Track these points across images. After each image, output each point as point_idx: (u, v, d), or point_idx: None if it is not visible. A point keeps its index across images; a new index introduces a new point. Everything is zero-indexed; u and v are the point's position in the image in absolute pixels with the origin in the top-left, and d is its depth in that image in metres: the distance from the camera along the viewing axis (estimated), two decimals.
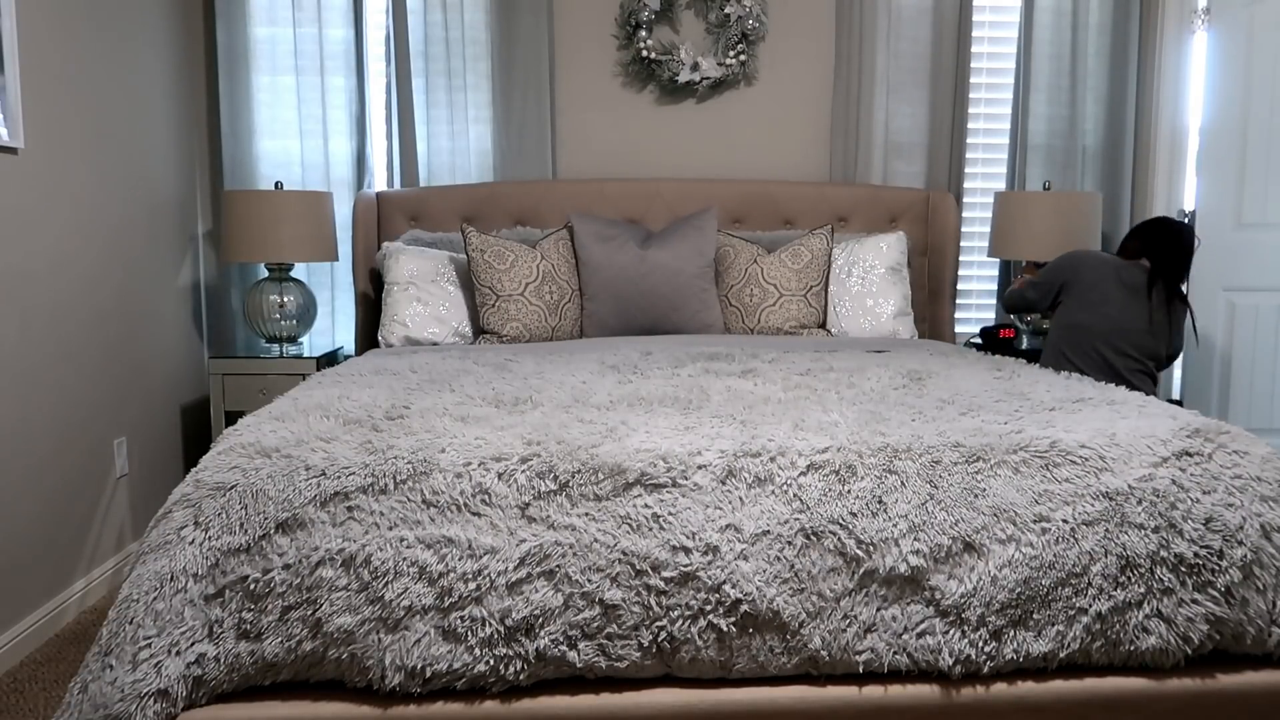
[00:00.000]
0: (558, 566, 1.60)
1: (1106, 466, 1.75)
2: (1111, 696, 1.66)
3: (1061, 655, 1.65)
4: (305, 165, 3.74)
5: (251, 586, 1.58)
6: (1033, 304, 3.29)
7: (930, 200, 3.81)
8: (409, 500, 1.65)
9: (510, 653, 1.58)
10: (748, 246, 3.47)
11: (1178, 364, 3.90)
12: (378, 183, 3.85)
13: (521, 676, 1.59)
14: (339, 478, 1.66)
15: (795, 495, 1.68)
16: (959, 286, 3.99)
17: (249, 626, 1.58)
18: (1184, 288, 3.17)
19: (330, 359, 3.65)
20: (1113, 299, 3.07)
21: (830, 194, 3.78)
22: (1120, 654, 1.66)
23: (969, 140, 3.98)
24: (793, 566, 1.63)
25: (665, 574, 1.60)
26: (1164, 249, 3.10)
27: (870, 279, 3.51)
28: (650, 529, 1.63)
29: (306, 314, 3.59)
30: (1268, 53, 3.47)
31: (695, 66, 3.79)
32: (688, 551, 1.61)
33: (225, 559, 1.60)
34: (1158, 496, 1.72)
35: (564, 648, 1.58)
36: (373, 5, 3.74)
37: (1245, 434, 1.88)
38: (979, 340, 3.71)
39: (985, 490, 1.71)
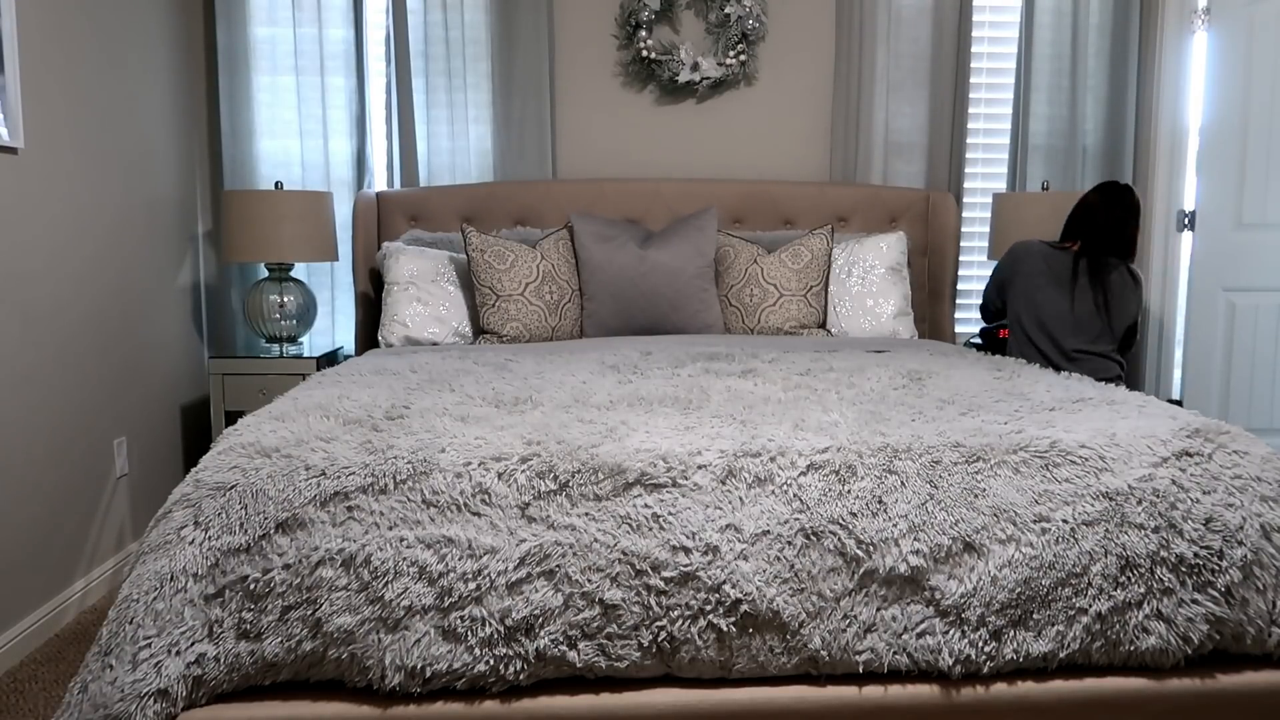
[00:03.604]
0: (558, 566, 1.60)
1: (1106, 466, 1.75)
2: (1111, 696, 1.66)
3: (1061, 655, 1.65)
4: (305, 165, 3.74)
5: (251, 586, 1.58)
6: (991, 305, 3.39)
7: (930, 200, 3.81)
8: (409, 500, 1.65)
9: (510, 653, 1.58)
10: (748, 246, 3.47)
11: (1177, 364, 3.90)
12: (378, 183, 3.85)
13: (521, 676, 1.59)
14: (339, 478, 1.66)
15: (795, 495, 1.68)
16: (959, 286, 3.99)
17: (249, 626, 1.58)
18: (1133, 262, 3.18)
19: (330, 359, 3.65)
20: (1042, 289, 3.13)
21: (830, 194, 3.78)
22: (1120, 654, 1.66)
23: (969, 140, 3.98)
24: (793, 566, 1.63)
25: (665, 574, 1.60)
26: (1085, 231, 3.16)
27: (870, 279, 3.51)
28: (650, 529, 1.63)
29: (306, 314, 3.59)
30: (1268, 53, 3.47)
31: (695, 66, 3.79)
32: (688, 551, 1.61)
33: (225, 559, 1.60)
34: (1158, 496, 1.72)
35: (564, 648, 1.58)
36: (373, 5, 3.74)
37: (1245, 434, 1.88)
38: (979, 340, 3.71)
39: (985, 490, 1.71)
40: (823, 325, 3.43)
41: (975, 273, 4.08)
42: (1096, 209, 3.14)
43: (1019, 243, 3.26)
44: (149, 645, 1.54)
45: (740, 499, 1.67)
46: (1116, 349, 3.17)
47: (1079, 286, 3.09)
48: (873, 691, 1.63)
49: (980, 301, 3.50)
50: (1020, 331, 3.18)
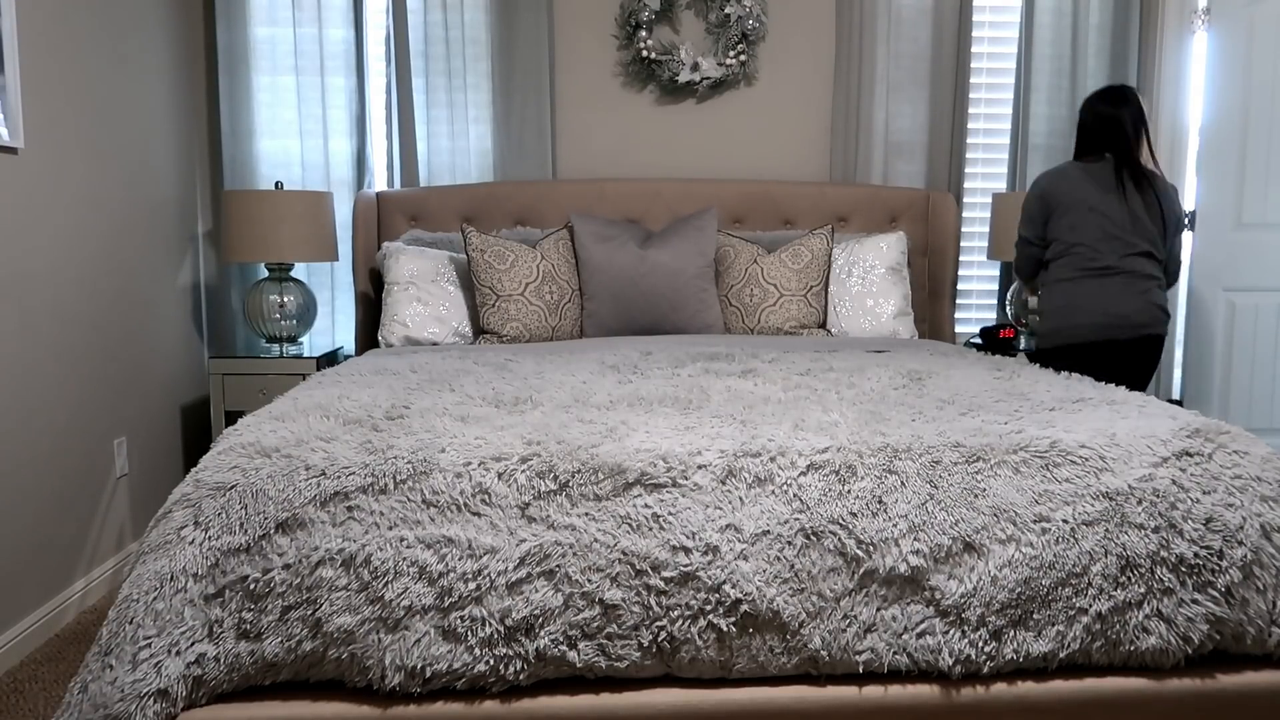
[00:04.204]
0: (558, 566, 1.60)
1: (1106, 466, 1.75)
2: (1111, 696, 1.66)
3: (1061, 655, 1.65)
4: (305, 165, 3.74)
5: (251, 586, 1.58)
6: (1031, 245, 3.19)
7: (930, 200, 3.81)
8: (409, 500, 1.65)
9: (510, 653, 1.58)
10: (748, 246, 3.47)
11: (1177, 363, 3.90)
12: (378, 183, 3.85)
13: (521, 676, 1.59)
14: (339, 478, 1.66)
15: (795, 495, 1.68)
16: (959, 286, 3.99)
17: (249, 626, 1.58)
18: (1151, 161, 3.13)
19: (330, 359, 3.65)
20: (1094, 197, 3.04)
21: (830, 194, 3.78)
22: (1120, 654, 1.66)
23: (969, 140, 3.98)
24: (793, 566, 1.63)
25: (665, 574, 1.60)
26: (1112, 141, 3.08)
27: (870, 279, 3.51)
28: (650, 529, 1.63)
29: (306, 314, 3.59)
30: (1268, 53, 3.47)
31: (695, 66, 3.79)
32: (688, 551, 1.61)
33: (225, 559, 1.60)
34: (1158, 496, 1.72)
35: (564, 648, 1.58)
36: (373, 5, 3.74)
37: (1245, 434, 1.88)
38: (979, 340, 3.71)
39: (985, 490, 1.71)
40: (823, 325, 3.43)
41: (975, 273, 4.08)
42: (1116, 116, 3.08)
43: (1046, 172, 3.16)
44: (149, 645, 1.54)
45: (740, 499, 1.67)
46: (1163, 268, 3.12)
47: (1129, 192, 3.02)
48: (873, 691, 1.63)
49: (1016, 264, 3.30)
50: (1075, 248, 3.05)
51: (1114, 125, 3.07)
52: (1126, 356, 3.03)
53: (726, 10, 3.77)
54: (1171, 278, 3.16)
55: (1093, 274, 3.03)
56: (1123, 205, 3.02)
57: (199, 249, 3.80)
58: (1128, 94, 3.10)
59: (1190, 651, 1.67)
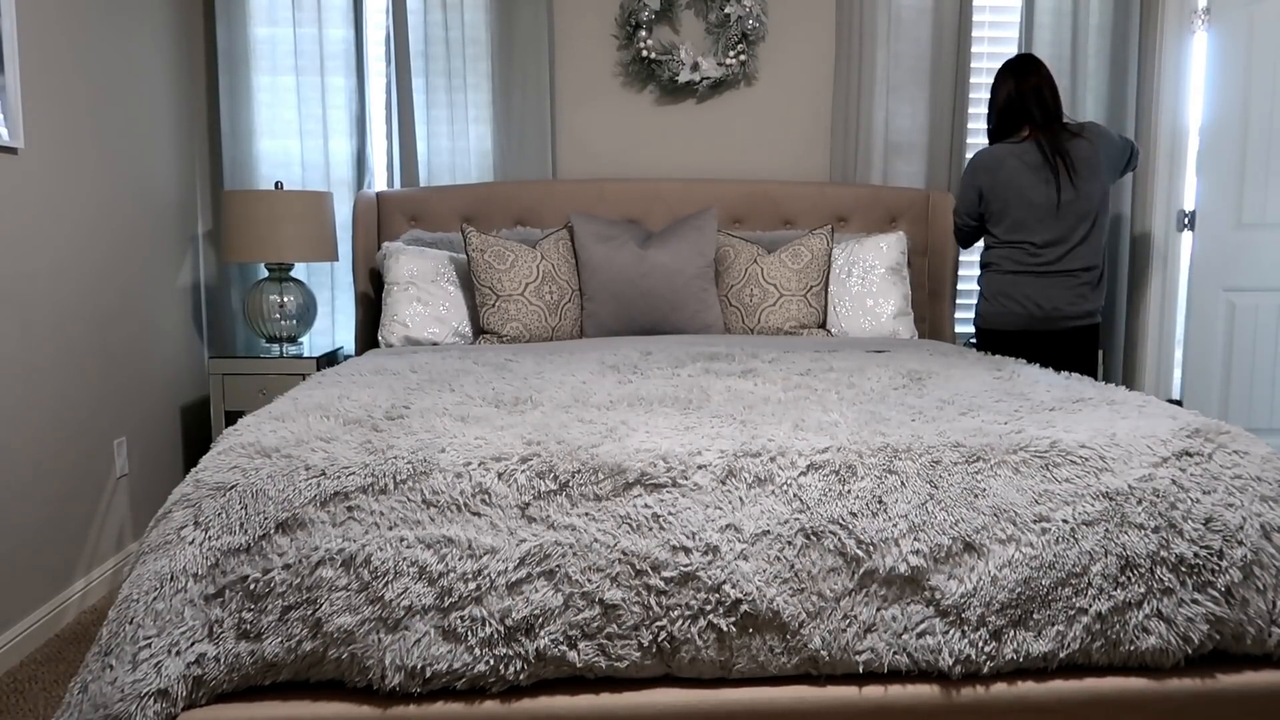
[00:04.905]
0: (558, 566, 1.60)
1: (1106, 466, 1.75)
2: (1112, 696, 1.66)
3: (1061, 655, 1.65)
4: (305, 165, 3.74)
5: (251, 586, 1.58)
6: (968, 221, 3.40)
7: (930, 200, 3.81)
8: (409, 500, 1.65)
9: (510, 653, 1.58)
10: (748, 246, 3.47)
11: (1177, 363, 3.90)
12: (378, 183, 3.85)
13: (521, 676, 1.59)
14: (339, 478, 1.66)
15: (795, 495, 1.68)
16: (959, 286, 3.99)
17: (249, 626, 1.58)
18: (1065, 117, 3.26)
19: (330, 359, 3.65)
20: (1030, 186, 3.17)
21: (830, 194, 3.78)
22: (1120, 654, 1.66)
23: (969, 140, 3.98)
24: (793, 566, 1.63)
25: (665, 574, 1.60)
26: (1032, 111, 3.22)
27: (870, 279, 3.51)
28: (650, 529, 1.63)
29: (306, 314, 3.59)
30: (1268, 53, 3.47)
31: (695, 66, 3.79)
32: (688, 551, 1.61)
33: (225, 559, 1.60)
34: (1158, 496, 1.72)
35: (564, 648, 1.58)
36: (373, 5, 3.74)
37: (1245, 434, 1.88)
38: (978, 340, 3.71)
39: (985, 490, 1.71)
40: (823, 325, 3.43)
41: (975, 273, 4.07)
42: (1033, 88, 3.21)
43: (981, 153, 3.31)
44: (149, 645, 1.54)
45: (740, 499, 1.67)
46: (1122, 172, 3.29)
47: (1058, 169, 3.15)
48: (873, 691, 1.63)
49: (955, 225, 3.51)
50: (1019, 244, 3.20)
51: (1025, 99, 3.22)
52: (1060, 347, 3.23)
53: (726, 10, 3.77)
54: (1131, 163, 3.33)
55: (1033, 271, 3.20)
56: (1052, 185, 3.14)
57: (199, 249, 3.80)
58: (1031, 63, 3.25)
59: (1190, 651, 1.67)
